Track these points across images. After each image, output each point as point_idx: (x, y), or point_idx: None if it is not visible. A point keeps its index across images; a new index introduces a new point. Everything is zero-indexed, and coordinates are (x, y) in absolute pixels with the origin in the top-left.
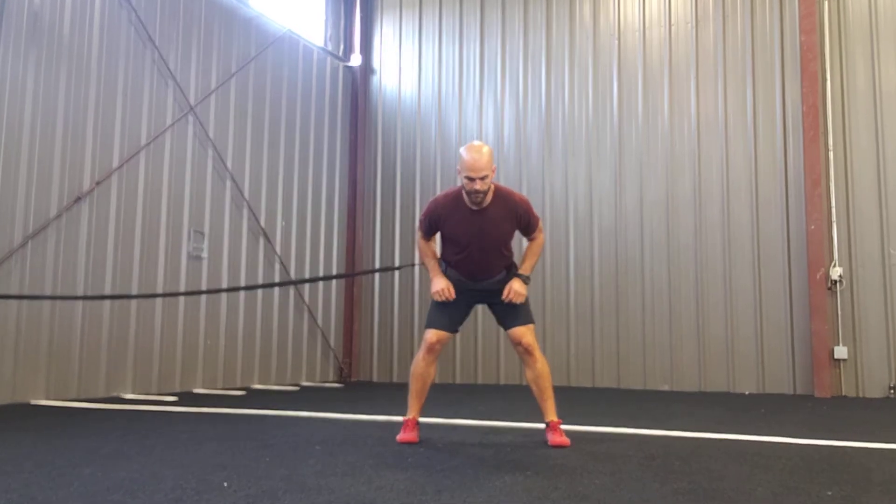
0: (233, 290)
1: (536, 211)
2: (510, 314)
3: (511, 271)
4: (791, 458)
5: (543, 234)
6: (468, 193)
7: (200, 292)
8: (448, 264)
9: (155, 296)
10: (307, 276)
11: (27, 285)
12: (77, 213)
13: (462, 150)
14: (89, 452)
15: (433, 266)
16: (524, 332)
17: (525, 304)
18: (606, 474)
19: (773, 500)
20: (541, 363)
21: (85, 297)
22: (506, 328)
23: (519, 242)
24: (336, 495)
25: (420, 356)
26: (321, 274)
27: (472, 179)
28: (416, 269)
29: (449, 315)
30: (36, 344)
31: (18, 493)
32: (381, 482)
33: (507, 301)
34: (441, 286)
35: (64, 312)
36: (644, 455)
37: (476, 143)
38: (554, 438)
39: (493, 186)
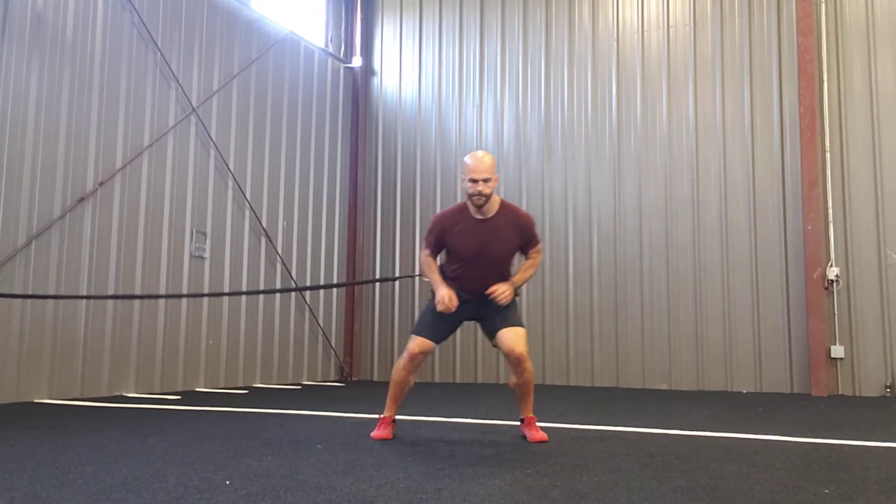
0: (233, 294)
1: (535, 214)
2: (501, 321)
3: None
4: (789, 457)
5: (541, 257)
6: (471, 197)
7: (202, 295)
8: (448, 278)
9: (158, 297)
10: (308, 276)
11: (31, 285)
12: (80, 214)
13: (466, 157)
14: (92, 451)
15: (436, 277)
16: (517, 342)
17: (515, 311)
18: (606, 472)
19: (771, 498)
20: (528, 372)
21: (88, 297)
22: (498, 337)
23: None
24: (337, 493)
25: (402, 365)
26: (322, 273)
27: (475, 181)
28: (415, 269)
29: (438, 327)
30: (40, 343)
31: (22, 491)
32: (381, 480)
33: (491, 296)
34: (445, 293)
35: (67, 311)
36: (643, 453)
37: (479, 152)
38: (533, 435)
39: (499, 199)
